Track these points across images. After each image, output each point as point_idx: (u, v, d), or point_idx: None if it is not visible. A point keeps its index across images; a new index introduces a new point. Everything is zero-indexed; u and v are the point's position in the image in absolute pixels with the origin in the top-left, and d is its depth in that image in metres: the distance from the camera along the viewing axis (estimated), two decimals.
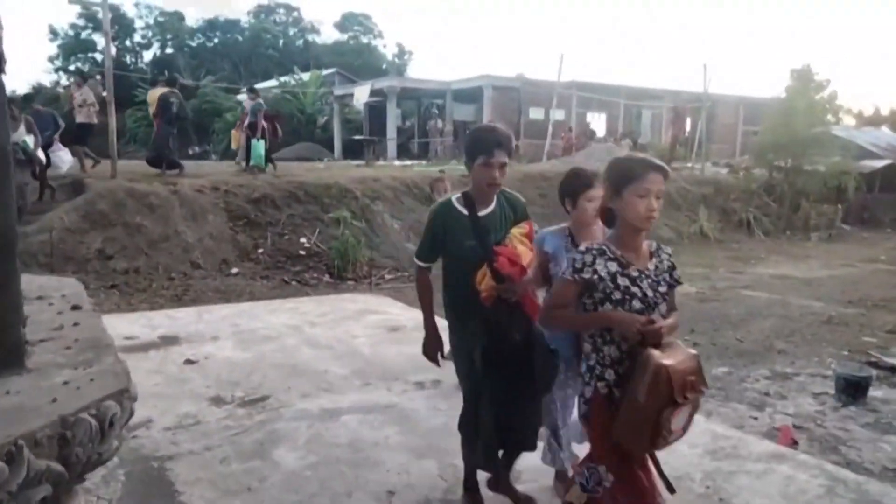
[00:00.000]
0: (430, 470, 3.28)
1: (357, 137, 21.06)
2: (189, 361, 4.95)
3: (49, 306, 1.92)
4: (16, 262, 1.34)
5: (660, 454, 3.48)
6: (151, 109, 11.85)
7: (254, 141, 12.22)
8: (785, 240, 15.81)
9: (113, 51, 42.36)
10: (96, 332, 1.67)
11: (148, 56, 50.54)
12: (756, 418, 4.47)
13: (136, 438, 3.58)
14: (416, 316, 6.74)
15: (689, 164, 20.55)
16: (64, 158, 10.00)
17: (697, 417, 4.14)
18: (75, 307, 1.91)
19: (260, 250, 9.50)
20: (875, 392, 4.96)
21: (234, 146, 14.48)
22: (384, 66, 50.87)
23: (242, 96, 34.36)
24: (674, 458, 3.46)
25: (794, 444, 4.01)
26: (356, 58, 49.95)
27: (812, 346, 6.36)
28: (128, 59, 48.82)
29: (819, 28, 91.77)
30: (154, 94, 11.70)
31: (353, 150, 25.99)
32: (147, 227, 9.02)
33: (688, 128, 24.19)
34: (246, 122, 12.57)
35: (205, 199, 9.88)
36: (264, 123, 12.38)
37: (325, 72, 35.63)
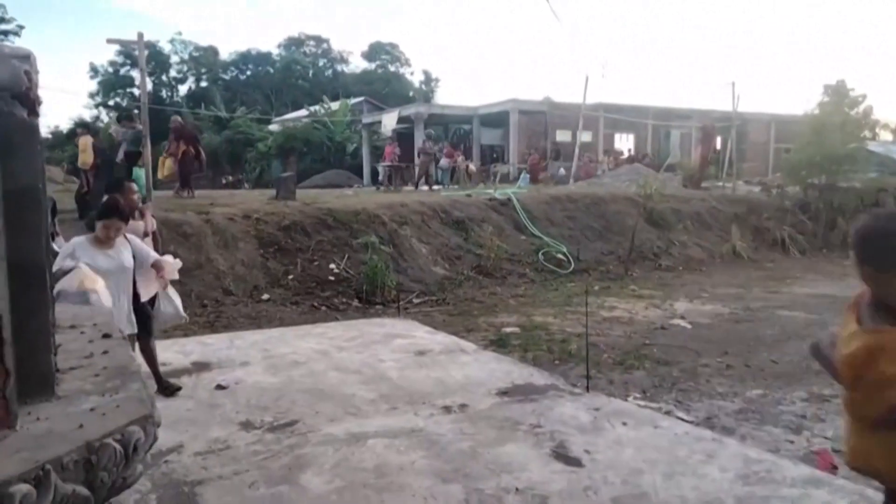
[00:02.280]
0: (455, 494, 3.26)
1: (385, 164, 21.56)
2: (220, 387, 5.02)
3: (81, 335, 1.99)
4: (47, 291, 1.40)
5: (689, 479, 3.43)
6: (82, 158, 10.88)
7: (135, 169, 11.23)
8: (822, 258, 15.42)
9: (150, 86, 43.86)
10: (124, 360, 1.73)
11: (183, 90, 52.18)
12: (792, 442, 4.34)
13: (168, 463, 3.64)
14: (443, 340, 6.78)
15: (720, 183, 20.30)
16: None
17: (729, 442, 4.08)
18: (106, 335, 1.97)
19: (290, 276, 9.63)
20: None
21: (160, 175, 13.68)
22: (411, 94, 51.63)
23: (274, 126, 35.20)
24: (704, 483, 3.39)
25: (833, 468, 3.88)
26: (384, 86, 50.84)
27: None
28: (164, 93, 50.42)
29: (852, 42, 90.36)
30: (86, 143, 10.86)
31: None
32: (181, 255, 9.21)
33: (717, 146, 23.94)
34: (121, 153, 11.42)
35: (236, 227, 10.09)
36: (185, 147, 11.88)
37: (353, 100, 36.34)
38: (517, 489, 3.33)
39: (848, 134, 17.56)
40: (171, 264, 5.10)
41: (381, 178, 22.71)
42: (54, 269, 3.57)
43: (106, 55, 52.33)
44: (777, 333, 7.56)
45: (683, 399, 5.24)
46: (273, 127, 35.33)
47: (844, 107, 21.76)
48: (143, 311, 4.83)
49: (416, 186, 18.85)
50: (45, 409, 1.36)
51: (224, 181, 32.75)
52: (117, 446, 1.25)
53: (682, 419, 4.63)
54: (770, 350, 6.81)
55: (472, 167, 20.32)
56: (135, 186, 4.93)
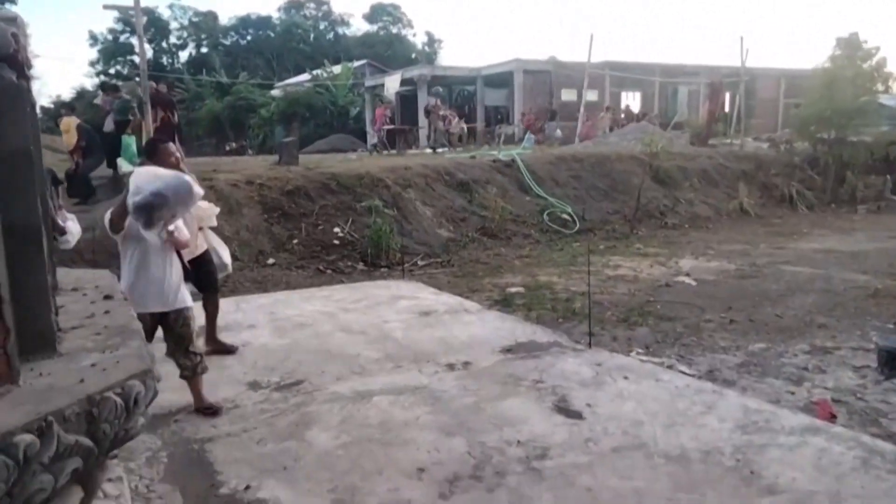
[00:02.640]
0: (459, 448, 3.34)
1: (388, 127, 21.36)
2: (230, 350, 5.10)
3: (83, 297, 2.03)
4: (43, 253, 1.42)
5: (689, 429, 3.49)
6: (66, 138, 10.52)
7: (124, 138, 10.95)
8: (830, 213, 15.32)
9: (149, 53, 43.36)
10: (125, 320, 1.76)
11: (184, 56, 51.66)
12: (793, 393, 4.39)
13: (178, 422, 3.73)
14: (447, 301, 6.83)
15: (728, 140, 20.06)
16: (72, 230, 8.78)
17: (729, 393, 4.13)
18: (107, 297, 2.01)
19: (295, 241, 9.68)
20: None
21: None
22: (414, 56, 50.89)
23: (276, 91, 34.80)
24: (703, 432, 3.45)
25: (832, 417, 3.93)
26: (386, 48, 50.11)
27: (855, 320, 6.19)
28: (164, 60, 49.94)
29: None
30: (69, 123, 10.52)
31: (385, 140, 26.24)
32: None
33: (726, 103, 23.56)
34: (109, 123, 11.10)
35: (240, 194, 10.09)
36: (162, 114, 11.41)
37: (355, 64, 35.87)
38: (519, 441, 3.40)
39: (859, 87, 17.23)
40: (208, 209, 4.84)
41: (372, 141, 22.17)
42: (131, 201, 3.30)
43: (105, 23, 51.72)
44: (782, 288, 7.57)
45: (686, 354, 5.29)
46: (275, 92, 35.02)
47: (857, 60, 21.31)
48: (207, 264, 4.72)
49: (434, 149, 18.63)
50: (46, 365, 1.40)
51: (227, 148, 32.66)
52: (118, 399, 1.29)
53: (684, 373, 4.68)
54: (774, 305, 6.83)
55: (464, 127, 19.98)
56: (173, 147, 4.46)
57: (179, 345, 3.81)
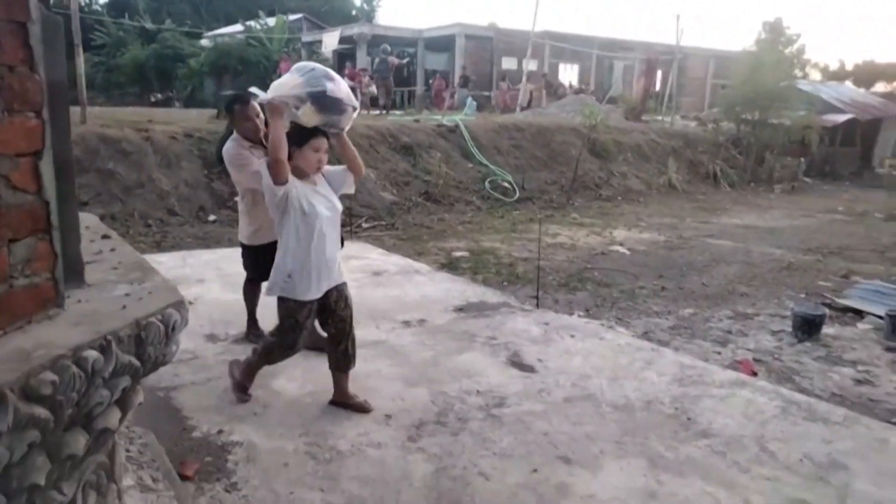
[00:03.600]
0: (422, 396, 3.52)
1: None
2: None
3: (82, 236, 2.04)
4: (74, 183, 1.46)
5: (632, 382, 3.80)
6: None
7: None
8: (750, 191, 16.31)
9: None
10: (135, 257, 1.81)
11: None
12: (719, 353, 4.82)
13: None
14: (398, 261, 6.96)
15: (660, 117, 20.84)
16: None
17: (666, 351, 4.48)
18: (105, 236, 2.04)
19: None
20: (828, 329, 5.36)
21: None
22: (353, 13, 49.56)
23: (205, 41, 33.32)
24: (644, 385, 3.77)
25: (753, 374, 4.35)
26: (324, 3, 48.50)
27: (772, 289, 6.75)
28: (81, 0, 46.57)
29: None
30: None
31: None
32: (121, 173, 8.94)
33: (658, 80, 24.34)
34: None
35: (178, 147, 9.78)
36: None
37: (291, 17, 34.66)
38: (478, 391, 3.61)
39: (781, 72, 18.23)
40: None
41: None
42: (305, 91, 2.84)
43: None
44: (707, 259, 8.11)
45: (623, 317, 5.65)
46: (205, 42, 33.45)
47: (779, 45, 22.49)
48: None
49: (387, 111, 17.88)
50: (81, 293, 1.45)
51: (153, 99, 31.07)
52: (160, 325, 1.37)
53: (623, 333, 5.02)
54: (700, 274, 7.34)
55: (374, 91, 19.09)
56: (256, 106, 3.80)
57: (342, 331, 3.26)
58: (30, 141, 1.27)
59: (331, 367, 3.34)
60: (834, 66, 37.65)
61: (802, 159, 18.43)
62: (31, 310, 1.29)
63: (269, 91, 2.92)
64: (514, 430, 3.18)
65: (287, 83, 2.89)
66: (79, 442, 1.30)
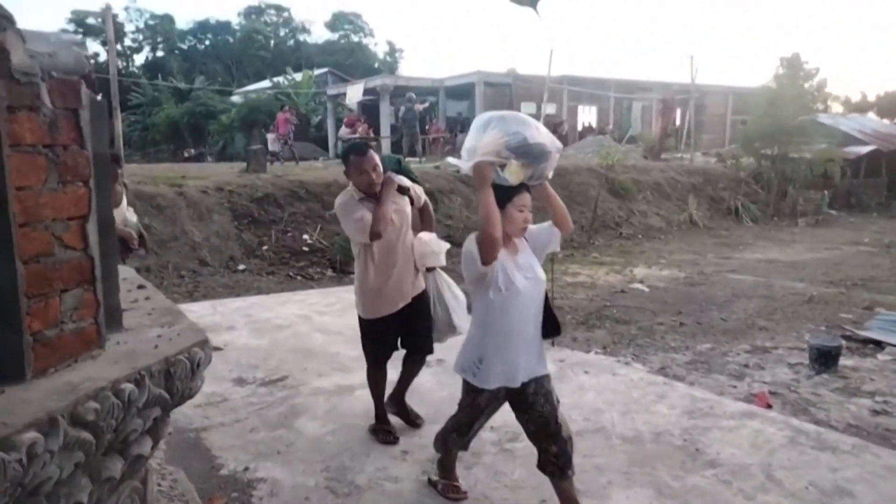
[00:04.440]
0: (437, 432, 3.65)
1: (277, 135, 19.76)
2: (215, 349, 5.27)
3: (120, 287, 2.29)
4: (115, 240, 1.70)
5: (642, 415, 3.88)
6: None
7: None
8: (772, 226, 16.24)
9: (104, 55, 42.45)
10: (166, 304, 2.04)
11: (139, 59, 50.77)
12: (735, 387, 4.86)
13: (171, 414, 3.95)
14: None
15: (679, 155, 20.98)
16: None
17: (678, 385, 4.56)
18: (141, 286, 2.28)
19: (265, 247, 9.86)
20: (846, 361, 5.36)
21: None
22: (376, 65, 51.20)
23: (236, 98, 34.60)
24: (655, 417, 3.86)
25: (768, 407, 4.40)
26: (347, 57, 50.26)
27: (792, 323, 6.76)
28: (119, 63, 48.99)
29: (807, 16, 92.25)
30: None
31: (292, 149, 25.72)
32: (156, 227, 9.36)
33: (677, 119, 24.58)
34: None
35: (210, 200, 10.23)
36: None
37: (317, 71, 35.92)
38: (492, 427, 3.72)
39: (801, 106, 18.31)
40: (433, 244, 3.61)
41: (272, 148, 18.82)
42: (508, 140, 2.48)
43: (57, 23, 50.41)
44: (727, 295, 8.14)
45: (640, 353, 5.73)
46: (235, 98, 34.77)
47: (799, 80, 22.61)
48: (423, 317, 3.68)
49: (418, 158, 17.76)
50: (120, 336, 1.67)
51: (186, 154, 32.27)
52: (187, 362, 1.58)
53: (638, 368, 5.10)
54: (720, 309, 7.37)
55: (370, 136, 19.02)
56: (375, 157, 3.44)
57: (544, 431, 2.76)
58: (79, 206, 1.51)
59: (539, 469, 2.78)
60: (856, 98, 37.50)
61: (826, 192, 18.31)
62: (77, 350, 1.51)
63: (463, 155, 2.60)
64: (525, 463, 3.29)
65: (483, 142, 2.51)
66: (116, 466, 1.50)
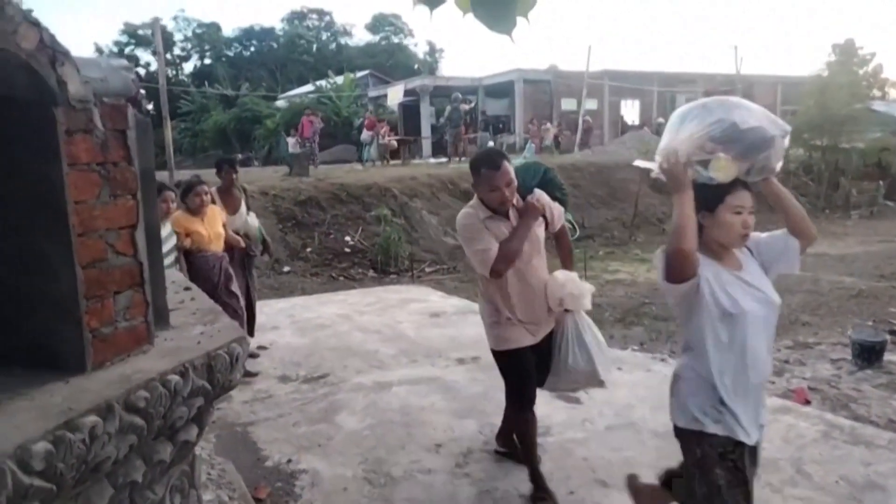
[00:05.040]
0: (471, 427, 3.78)
1: (302, 138, 19.75)
2: (261, 347, 5.50)
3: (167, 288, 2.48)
4: (161, 248, 1.87)
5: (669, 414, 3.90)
6: None
7: None
8: (823, 218, 15.76)
9: (154, 65, 43.98)
10: (209, 304, 2.22)
11: (188, 68, 52.40)
12: (773, 382, 4.81)
13: (220, 410, 4.17)
14: (456, 303, 7.28)
15: None
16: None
17: None
18: (186, 288, 2.46)
19: (308, 249, 10.15)
20: (891, 356, 5.24)
21: None
22: (416, 66, 51.56)
23: (281, 102, 35.34)
24: None
25: (806, 403, 4.36)
26: (388, 58, 50.79)
27: (836, 318, 6.62)
28: (168, 71, 50.65)
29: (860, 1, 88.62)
30: None
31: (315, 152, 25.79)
32: None
33: None
34: None
35: (255, 204, 10.51)
36: None
37: (358, 74, 36.43)
38: None
39: (854, 95, 17.67)
40: (570, 285, 3.07)
41: (292, 151, 17.93)
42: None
43: (110, 35, 52.44)
44: None
45: (677, 350, 5.70)
46: (280, 103, 35.59)
47: (853, 66, 21.78)
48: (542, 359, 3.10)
49: (459, 159, 17.67)
50: (167, 333, 1.85)
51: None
52: (226, 356, 1.74)
53: (673, 365, 5.10)
54: None
55: (394, 142, 19.00)
56: (510, 172, 2.90)
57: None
58: (128, 217, 1.68)
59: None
60: None
61: (881, 182, 17.66)
62: (130, 346, 1.69)
63: (657, 157, 2.14)
64: (555, 457, 3.38)
65: (678, 138, 2.09)
66: (166, 450, 1.66)
